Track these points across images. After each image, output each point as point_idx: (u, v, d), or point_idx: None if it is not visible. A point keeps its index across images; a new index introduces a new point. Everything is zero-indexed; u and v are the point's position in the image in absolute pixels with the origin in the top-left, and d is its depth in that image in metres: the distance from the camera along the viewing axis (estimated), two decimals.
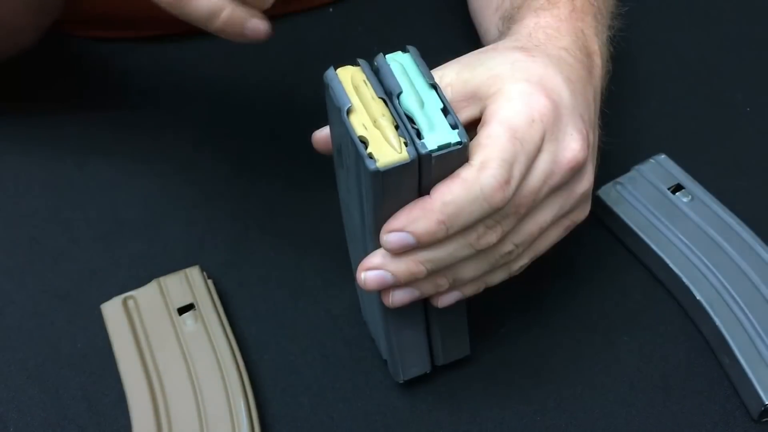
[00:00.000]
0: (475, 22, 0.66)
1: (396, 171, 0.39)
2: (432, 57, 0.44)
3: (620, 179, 0.60)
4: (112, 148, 0.66)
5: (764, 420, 0.51)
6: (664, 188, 0.59)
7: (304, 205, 0.62)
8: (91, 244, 0.61)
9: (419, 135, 0.39)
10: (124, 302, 0.54)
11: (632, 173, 0.60)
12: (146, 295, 0.55)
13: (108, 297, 0.55)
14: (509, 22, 0.51)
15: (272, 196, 0.63)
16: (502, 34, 0.51)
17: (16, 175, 0.65)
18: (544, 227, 0.45)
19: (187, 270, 0.56)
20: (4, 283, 0.59)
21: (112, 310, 0.54)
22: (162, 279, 0.55)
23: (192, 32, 0.71)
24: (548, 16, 0.49)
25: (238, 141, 0.66)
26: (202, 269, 0.56)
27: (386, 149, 0.38)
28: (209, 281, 0.56)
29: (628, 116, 0.67)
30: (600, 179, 0.59)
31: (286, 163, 0.64)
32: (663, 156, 0.61)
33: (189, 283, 0.55)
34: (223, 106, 0.69)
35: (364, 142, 0.39)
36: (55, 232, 0.61)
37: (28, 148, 0.67)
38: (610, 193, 0.59)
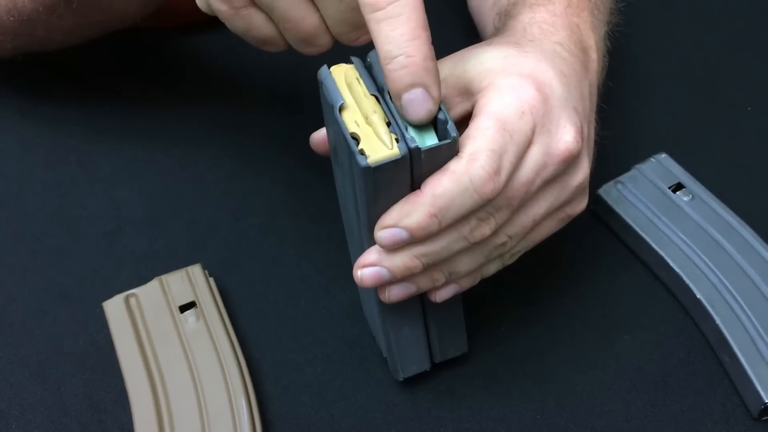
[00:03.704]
0: (474, 19, 0.66)
1: (387, 167, 0.39)
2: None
3: (621, 178, 0.60)
4: (114, 146, 0.66)
5: (764, 418, 0.51)
6: (665, 187, 0.59)
7: (305, 204, 0.62)
8: (94, 242, 0.61)
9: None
10: (126, 300, 0.54)
11: (633, 172, 0.60)
12: (148, 293, 0.55)
13: (110, 295, 0.55)
14: (505, 17, 0.52)
15: (274, 195, 0.63)
16: (498, 30, 0.51)
17: (19, 172, 0.65)
18: (538, 219, 0.45)
19: (189, 268, 0.56)
20: (7, 280, 0.59)
21: (114, 307, 0.54)
22: (164, 277, 0.55)
23: (193, 29, 0.72)
24: (543, 11, 0.49)
25: (240, 139, 0.66)
26: (204, 267, 0.56)
27: (377, 145, 0.39)
28: (211, 279, 0.56)
29: (629, 115, 0.67)
30: (600, 178, 0.59)
31: (288, 161, 0.64)
32: (664, 155, 0.61)
33: (191, 281, 0.55)
34: (224, 104, 0.69)
35: (356, 139, 0.39)
36: (57, 230, 0.61)
37: (31, 145, 0.67)
38: (610, 192, 0.59)
